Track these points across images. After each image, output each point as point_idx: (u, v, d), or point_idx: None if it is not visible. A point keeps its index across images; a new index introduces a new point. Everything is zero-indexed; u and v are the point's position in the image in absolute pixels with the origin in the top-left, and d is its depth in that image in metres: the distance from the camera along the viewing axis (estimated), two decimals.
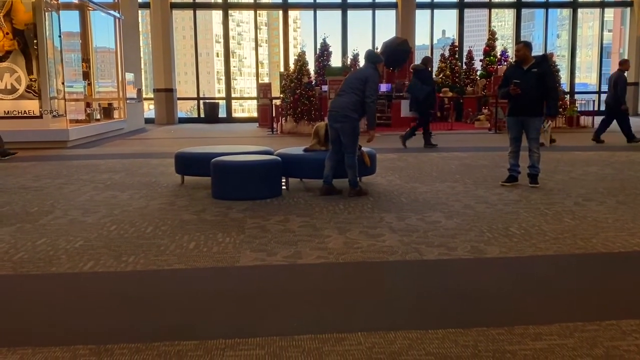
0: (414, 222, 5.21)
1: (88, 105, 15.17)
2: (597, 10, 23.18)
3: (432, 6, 22.00)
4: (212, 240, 4.67)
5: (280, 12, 22.20)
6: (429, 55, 15.09)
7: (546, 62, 6.98)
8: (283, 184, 6.85)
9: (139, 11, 19.82)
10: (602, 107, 23.23)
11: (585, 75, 26.75)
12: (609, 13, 24.47)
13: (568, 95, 19.55)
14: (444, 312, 3.19)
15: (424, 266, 4.05)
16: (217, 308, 3.29)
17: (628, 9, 22.89)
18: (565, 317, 3.07)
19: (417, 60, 15.90)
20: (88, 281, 3.80)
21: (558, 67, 16.49)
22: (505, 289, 3.58)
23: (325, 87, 15.75)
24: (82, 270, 3.96)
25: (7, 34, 12.51)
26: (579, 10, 23.03)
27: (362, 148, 6.88)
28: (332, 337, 2.83)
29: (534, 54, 6.98)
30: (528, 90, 6.65)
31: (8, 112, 12.58)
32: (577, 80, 23.73)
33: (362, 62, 7.60)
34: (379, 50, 19.35)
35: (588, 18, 24.97)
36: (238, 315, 3.19)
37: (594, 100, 19.33)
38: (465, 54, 21.10)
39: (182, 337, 2.85)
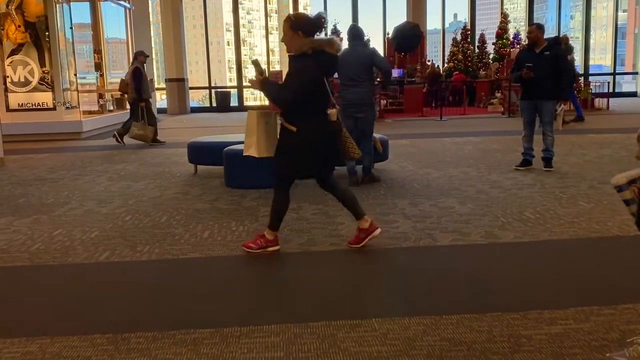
0: (427, 208, 5.19)
1: (100, 96, 15.24)
2: None
3: None
4: (226, 228, 4.69)
5: None
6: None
7: (558, 44, 6.89)
8: None
9: (149, 1, 19.82)
10: (617, 89, 23.02)
11: (600, 56, 26.38)
12: None
13: (582, 78, 19.30)
14: (458, 298, 3.18)
15: (437, 252, 4.04)
16: (232, 296, 3.32)
17: None
18: (581, 301, 3.05)
19: (429, 45, 15.77)
20: (104, 271, 3.84)
21: (573, 47, 16.27)
22: (519, 274, 3.56)
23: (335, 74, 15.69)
24: (98, 260, 4.00)
25: (19, 26, 12.56)
26: None
27: (374, 134, 6.85)
28: (346, 323, 2.84)
29: (546, 36, 6.89)
30: (541, 73, 6.57)
31: (22, 104, 12.67)
32: (591, 62, 23.42)
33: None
34: (390, 35, 19.24)
35: None
36: (253, 302, 3.21)
37: (608, 82, 19.08)
38: (477, 37, 20.90)
39: (197, 325, 2.87)
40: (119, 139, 10.72)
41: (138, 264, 3.92)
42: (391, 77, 6.27)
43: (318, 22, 3.87)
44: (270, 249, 4.03)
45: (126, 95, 11.23)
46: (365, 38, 18.04)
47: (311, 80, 3.75)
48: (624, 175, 2.37)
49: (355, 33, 6.44)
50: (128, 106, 11.43)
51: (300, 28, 3.77)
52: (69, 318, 3.08)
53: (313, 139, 3.81)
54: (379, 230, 4.10)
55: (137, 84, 10.52)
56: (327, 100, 3.91)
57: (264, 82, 3.84)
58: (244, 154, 4.13)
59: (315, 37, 3.85)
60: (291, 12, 22.36)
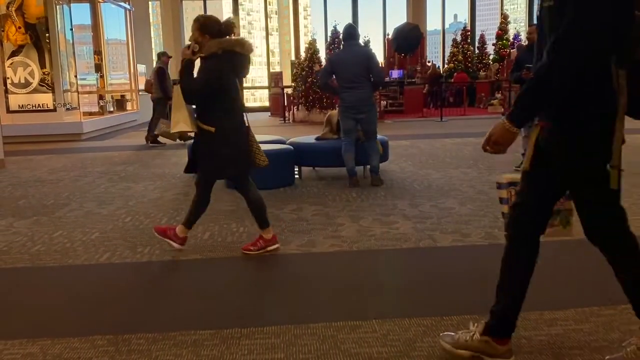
0: (428, 209, 5.20)
1: (101, 97, 15.26)
2: None
3: None
4: (226, 230, 4.69)
5: (291, 0, 22.13)
6: None
7: None
8: (296, 173, 6.86)
9: (149, 2, 19.84)
10: None
11: None
12: None
13: None
14: (459, 299, 3.19)
15: (438, 253, 4.05)
16: (233, 297, 3.32)
17: None
18: (581, 301, 3.06)
19: (429, 46, 15.79)
20: (104, 272, 3.84)
21: None
22: None
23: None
24: (99, 261, 4.01)
25: (20, 28, 12.58)
26: None
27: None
28: (347, 324, 2.84)
29: None
30: None
31: (22, 105, 12.69)
32: None
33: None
34: (390, 36, 19.27)
35: None
36: (253, 303, 3.21)
37: None
38: (477, 38, 20.91)
39: (198, 326, 2.88)
40: (156, 141, 10.93)
41: (138, 265, 3.92)
42: (379, 87, 6.29)
43: (227, 27, 3.88)
44: (271, 248, 4.05)
45: (150, 95, 11.47)
46: (365, 39, 18.12)
47: (219, 80, 3.77)
48: (508, 175, 2.54)
49: (351, 33, 6.41)
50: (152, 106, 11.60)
51: (208, 31, 3.79)
52: (69, 319, 3.08)
53: (231, 137, 3.85)
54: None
55: (161, 83, 10.76)
56: (240, 101, 3.97)
57: (187, 62, 3.83)
58: (172, 131, 4.15)
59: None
60: (291, 13, 22.39)
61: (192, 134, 4.13)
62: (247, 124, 4.01)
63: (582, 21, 1.91)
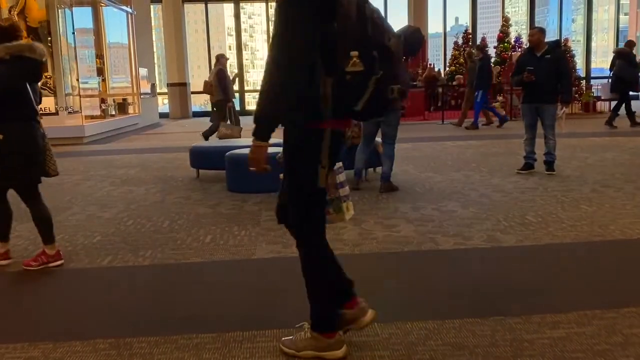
0: (430, 212, 5.19)
1: (103, 101, 15.28)
2: None
3: None
4: (228, 233, 4.69)
5: None
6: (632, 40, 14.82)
7: (559, 47, 6.90)
8: None
9: (151, 6, 19.87)
10: None
11: (602, 59, 26.40)
12: None
13: (584, 81, 19.30)
14: (461, 302, 3.18)
15: (440, 256, 4.04)
16: (235, 301, 3.32)
17: None
18: (583, 305, 3.05)
19: (431, 49, 15.81)
20: (106, 276, 3.85)
21: (574, 52, 16.33)
22: (522, 277, 3.56)
23: None
24: (101, 265, 4.01)
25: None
26: None
27: (376, 139, 6.86)
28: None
29: (548, 39, 6.91)
30: (542, 77, 6.58)
31: None
32: (593, 65, 23.42)
33: None
34: None
35: (604, 2, 24.62)
36: (255, 307, 3.21)
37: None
38: (479, 41, 20.89)
39: (200, 329, 2.88)
40: (206, 140, 11.08)
41: (140, 268, 3.92)
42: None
43: (11, 30, 3.79)
44: (53, 264, 3.97)
45: (209, 97, 11.69)
46: None
47: (5, 86, 3.66)
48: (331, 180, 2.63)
49: None
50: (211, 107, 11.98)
51: None
52: (71, 323, 3.08)
53: (20, 145, 3.76)
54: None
55: (222, 84, 10.96)
56: (32, 107, 3.85)
57: None
58: None
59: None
60: None
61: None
62: (42, 132, 3.88)
63: (286, 36, 2.18)
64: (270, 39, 2.26)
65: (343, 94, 2.24)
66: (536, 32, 6.84)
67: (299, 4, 2.18)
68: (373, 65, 2.21)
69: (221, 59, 11.38)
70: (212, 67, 11.96)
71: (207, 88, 11.57)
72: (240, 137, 10.47)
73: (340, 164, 2.72)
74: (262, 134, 2.30)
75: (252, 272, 3.86)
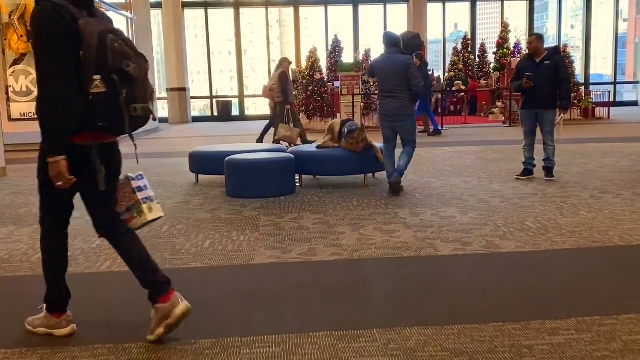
0: (429, 218, 5.19)
1: None
2: (611, 0, 22.87)
3: (443, 0, 21.87)
4: (227, 238, 4.69)
5: (292, 9, 22.23)
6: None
7: (558, 54, 6.92)
8: (297, 181, 6.87)
9: (151, 11, 19.92)
10: (619, 98, 23.08)
11: (601, 65, 26.49)
12: (624, 2, 24.12)
13: (583, 87, 19.35)
14: (460, 308, 3.18)
15: (439, 262, 4.04)
16: (233, 306, 3.31)
17: None
18: (583, 311, 3.05)
19: (430, 55, 15.84)
20: (105, 281, 3.85)
21: (572, 58, 16.37)
22: (521, 283, 3.56)
23: (337, 83, 15.68)
24: (99, 270, 4.01)
25: (22, 36, 12.62)
26: (594, 0, 22.76)
27: (375, 144, 6.88)
28: (347, 334, 2.84)
29: (547, 45, 6.93)
30: (541, 83, 6.60)
31: (23, 114, 12.71)
32: (592, 71, 23.48)
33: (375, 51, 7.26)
34: None
35: (602, 9, 24.73)
36: (254, 313, 3.20)
37: (609, 92, 19.16)
38: (478, 47, 20.96)
39: (198, 335, 2.87)
40: (260, 140, 11.44)
41: None
42: (418, 96, 6.55)
43: None
44: None
45: (269, 101, 11.87)
46: (366, 48, 18.10)
47: None
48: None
49: (389, 40, 6.41)
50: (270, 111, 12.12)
51: None
52: None
53: None
54: None
55: (284, 87, 11.12)
56: None
57: None
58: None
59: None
60: (292, 22, 22.46)
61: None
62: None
63: (44, 61, 2.56)
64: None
65: (89, 112, 2.56)
66: (534, 39, 6.86)
67: (51, 35, 2.51)
68: (115, 87, 2.54)
69: (284, 62, 11.61)
70: (273, 70, 12.19)
71: (266, 92, 11.78)
72: (298, 140, 10.80)
73: (141, 172, 3.20)
74: (52, 148, 2.58)
75: (251, 277, 3.85)
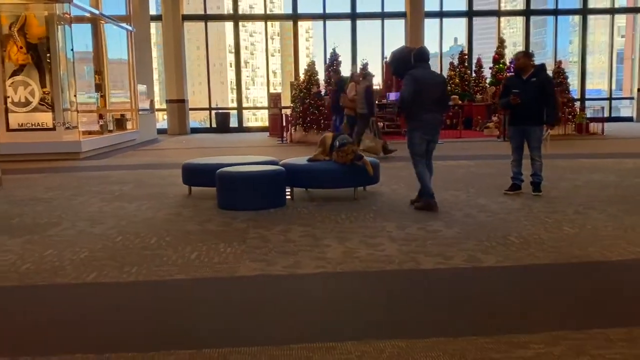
0: (414, 231, 5.26)
1: (101, 116, 15.40)
2: (608, 16, 23.07)
3: (441, 15, 22.08)
4: (213, 250, 4.76)
5: (291, 22, 22.44)
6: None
7: (544, 71, 7.02)
8: (288, 193, 6.94)
9: (151, 23, 20.11)
10: (616, 114, 23.21)
11: (599, 81, 26.65)
12: (621, 19, 24.34)
13: (578, 102, 19.47)
14: (434, 321, 3.25)
15: (419, 275, 4.11)
16: (212, 317, 3.38)
17: (639, 15, 22.83)
18: (554, 325, 3.12)
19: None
20: (91, 292, 3.91)
21: (567, 74, 16.50)
22: (497, 297, 3.63)
23: None
24: (86, 281, 4.07)
25: (21, 48, 12.76)
26: (592, 17, 22.95)
27: (365, 157, 6.97)
28: (322, 345, 2.90)
29: (544, 60, 7.04)
30: (528, 99, 6.69)
31: (22, 124, 12.83)
32: (590, 87, 23.62)
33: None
34: (387, 60, 19.44)
35: (600, 24, 24.92)
36: (233, 323, 3.26)
37: (603, 107, 19.31)
38: (474, 61, 21.13)
39: (178, 346, 2.93)
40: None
41: (124, 285, 3.98)
42: (446, 112, 6.90)
43: None
44: None
45: (346, 110, 12.33)
46: (364, 62, 18.21)
47: None
48: None
49: (427, 55, 6.73)
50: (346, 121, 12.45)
51: None
52: (52, 338, 3.13)
53: None
54: None
55: (369, 100, 11.59)
56: None
57: None
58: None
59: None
60: (292, 35, 22.65)
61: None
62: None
63: None
64: None
65: None
66: (521, 57, 6.97)
67: None
68: None
69: (367, 76, 12.33)
70: (353, 82, 12.57)
71: (347, 102, 12.20)
72: (381, 151, 11.07)
73: None
74: None
75: (233, 289, 3.92)
